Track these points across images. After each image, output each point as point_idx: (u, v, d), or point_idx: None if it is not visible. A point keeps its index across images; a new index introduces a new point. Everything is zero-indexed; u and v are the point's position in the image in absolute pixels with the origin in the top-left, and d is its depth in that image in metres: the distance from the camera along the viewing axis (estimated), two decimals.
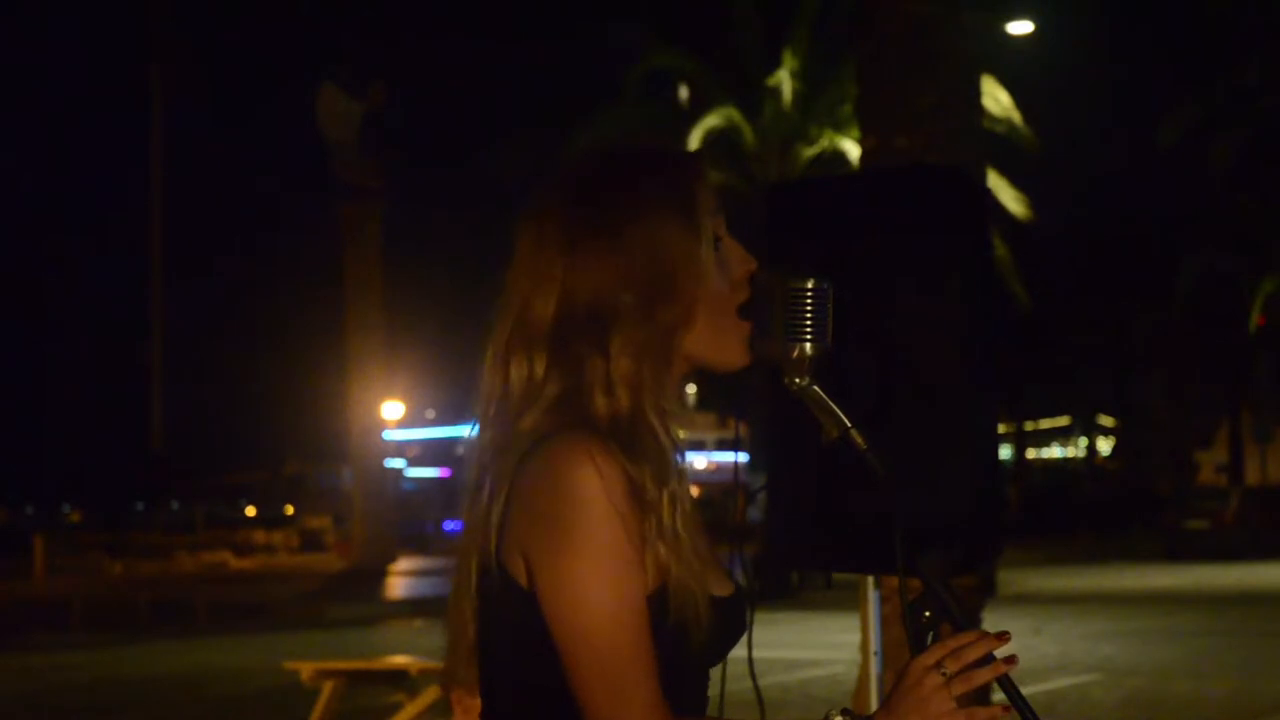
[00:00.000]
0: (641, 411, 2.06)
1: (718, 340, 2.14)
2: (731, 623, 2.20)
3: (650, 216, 2.10)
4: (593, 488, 1.97)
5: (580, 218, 2.11)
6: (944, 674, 1.98)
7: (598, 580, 1.98)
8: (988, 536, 3.19)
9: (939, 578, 2.08)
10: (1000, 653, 2.05)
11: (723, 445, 46.39)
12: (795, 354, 2.15)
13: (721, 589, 2.17)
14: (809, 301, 2.15)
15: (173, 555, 38.41)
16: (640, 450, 2.02)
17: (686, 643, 2.03)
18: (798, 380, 2.15)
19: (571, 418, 2.04)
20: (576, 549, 1.98)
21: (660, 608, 2.02)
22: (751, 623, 2.28)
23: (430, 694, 10.00)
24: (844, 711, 2.04)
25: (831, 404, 2.15)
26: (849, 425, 2.13)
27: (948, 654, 1.99)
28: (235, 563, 38.40)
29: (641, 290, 2.07)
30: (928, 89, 7.80)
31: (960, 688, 1.98)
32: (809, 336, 2.14)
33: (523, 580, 2.03)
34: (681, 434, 2.16)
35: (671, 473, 2.04)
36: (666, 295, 2.08)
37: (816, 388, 2.15)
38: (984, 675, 2.00)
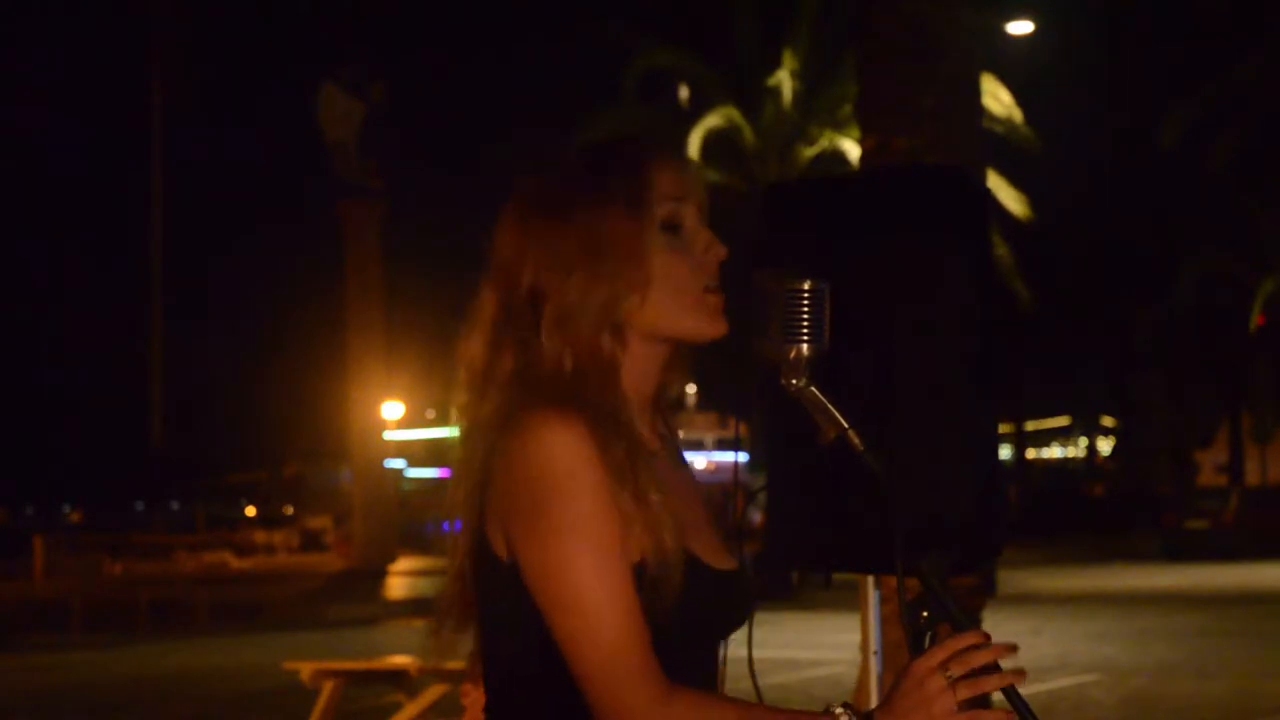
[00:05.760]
0: (585, 379, 2.12)
1: (679, 314, 2.18)
2: (735, 597, 2.22)
3: (591, 201, 2.16)
4: (558, 461, 2.03)
5: (531, 207, 2.19)
6: (949, 678, 1.97)
7: (575, 552, 2.03)
8: (988, 536, 3.19)
9: (938, 578, 2.08)
10: (1006, 664, 2.04)
11: (723, 445, 46.27)
12: (792, 355, 2.15)
13: (720, 562, 2.19)
14: (806, 302, 2.15)
15: (173, 555, 38.34)
16: (592, 416, 2.07)
17: (663, 603, 2.05)
18: (795, 381, 2.16)
19: (529, 394, 2.11)
20: (551, 524, 2.04)
21: (640, 573, 2.06)
22: (752, 622, 2.28)
23: (430, 694, 9.99)
24: (845, 705, 2.03)
25: (828, 405, 2.15)
26: (846, 426, 2.13)
27: (951, 656, 1.98)
28: (235, 563, 38.38)
29: (576, 270, 2.14)
30: (928, 89, 7.79)
31: (965, 692, 1.97)
32: (806, 337, 2.15)
33: (503, 555, 2.09)
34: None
35: (624, 436, 2.09)
36: (599, 273, 2.14)
37: (814, 389, 2.15)
38: (991, 683, 1.99)
